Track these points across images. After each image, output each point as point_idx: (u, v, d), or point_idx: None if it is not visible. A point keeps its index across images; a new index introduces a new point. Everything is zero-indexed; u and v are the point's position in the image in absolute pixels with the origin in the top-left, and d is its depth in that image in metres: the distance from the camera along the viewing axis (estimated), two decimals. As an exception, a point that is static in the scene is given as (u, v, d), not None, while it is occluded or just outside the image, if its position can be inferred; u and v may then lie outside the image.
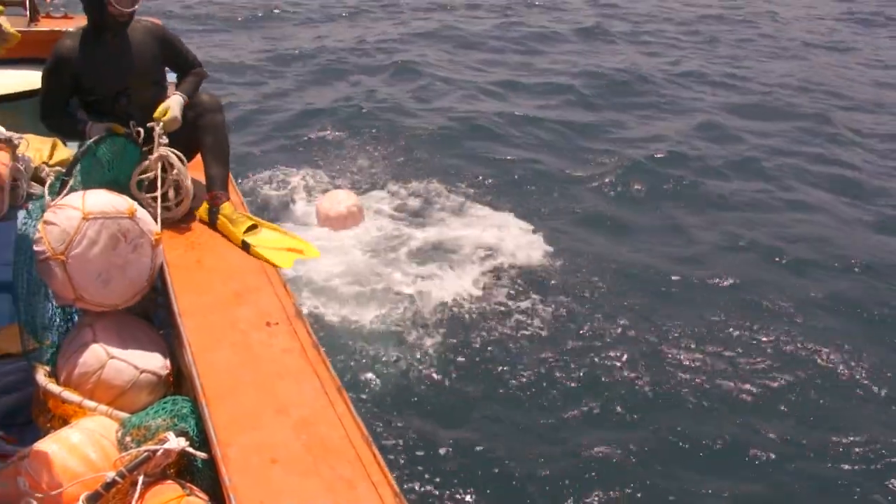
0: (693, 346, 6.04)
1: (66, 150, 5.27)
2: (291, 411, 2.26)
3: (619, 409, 5.33)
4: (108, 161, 3.29)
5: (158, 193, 3.22)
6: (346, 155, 9.61)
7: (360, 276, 6.75)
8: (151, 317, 3.29)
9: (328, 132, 10.21)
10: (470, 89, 12.28)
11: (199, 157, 3.73)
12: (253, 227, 3.35)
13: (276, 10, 17.44)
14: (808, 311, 6.53)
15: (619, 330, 6.21)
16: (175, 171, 3.35)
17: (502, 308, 6.42)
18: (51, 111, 3.53)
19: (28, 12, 6.46)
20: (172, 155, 3.35)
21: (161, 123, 3.44)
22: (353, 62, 13.56)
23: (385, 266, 6.98)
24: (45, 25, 6.46)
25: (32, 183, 4.86)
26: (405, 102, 11.44)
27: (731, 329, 6.24)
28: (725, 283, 6.95)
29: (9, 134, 4.72)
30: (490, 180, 8.90)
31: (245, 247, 3.27)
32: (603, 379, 5.61)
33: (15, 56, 6.10)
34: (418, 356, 5.72)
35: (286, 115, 10.88)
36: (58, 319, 3.12)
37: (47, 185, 3.26)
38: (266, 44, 14.66)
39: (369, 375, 5.46)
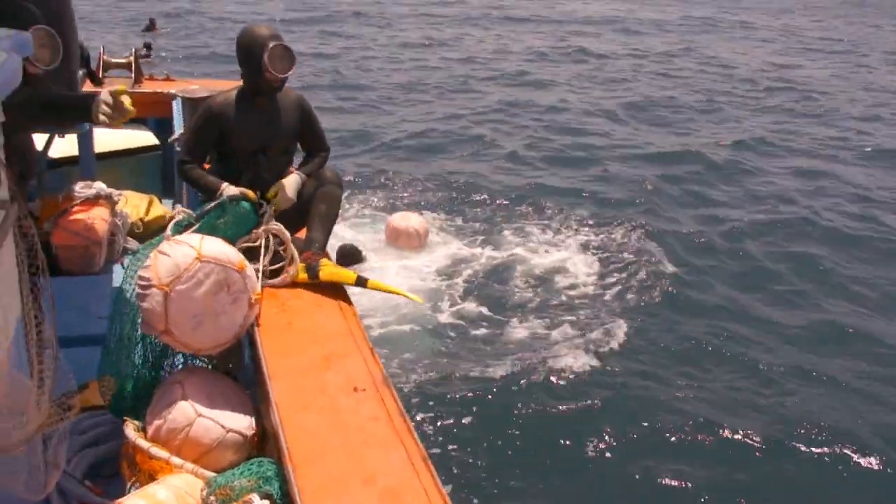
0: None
1: (162, 208, 5.45)
2: (378, 480, 2.24)
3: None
4: (233, 220, 3.39)
5: (261, 263, 3.29)
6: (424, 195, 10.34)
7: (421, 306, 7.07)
8: (235, 374, 3.33)
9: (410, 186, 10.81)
10: (570, 156, 12.52)
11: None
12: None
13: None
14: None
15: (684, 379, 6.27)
16: (282, 246, 3.43)
17: (569, 354, 6.48)
18: (192, 157, 3.70)
19: (133, 74, 6.75)
20: (284, 232, 3.45)
21: (271, 205, 3.57)
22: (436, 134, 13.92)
23: (447, 299, 7.39)
24: (148, 87, 6.73)
25: (129, 238, 5.03)
26: (485, 172, 11.66)
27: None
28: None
29: (109, 190, 4.92)
30: (571, 231, 9.18)
31: (361, 282, 3.42)
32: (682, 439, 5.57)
33: None
34: (484, 403, 5.75)
35: (370, 178, 11.27)
36: (140, 368, 3.18)
37: (173, 222, 3.37)
38: (350, 115, 15.11)
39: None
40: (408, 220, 8.64)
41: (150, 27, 23.49)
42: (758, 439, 5.50)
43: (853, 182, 11.48)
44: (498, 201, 10.21)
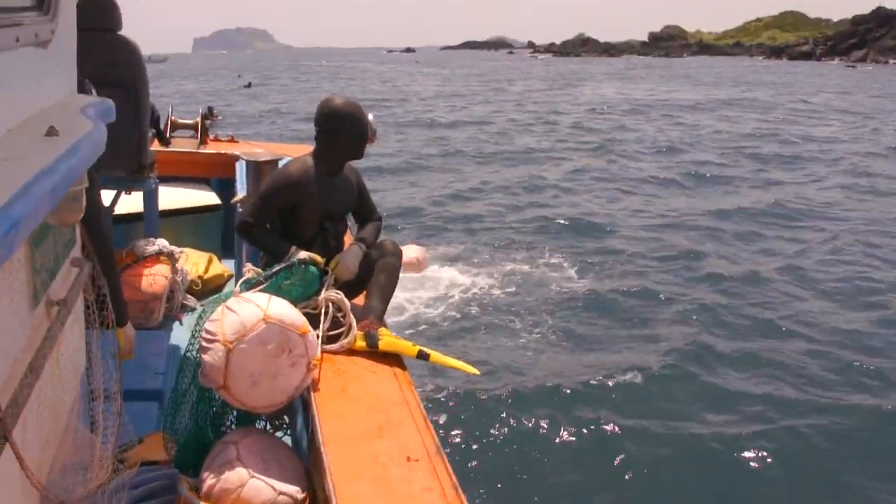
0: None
1: (221, 266, 5.56)
2: (428, 553, 2.22)
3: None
4: (299, 283, 3.44)
5: (321, 330, 3.33)
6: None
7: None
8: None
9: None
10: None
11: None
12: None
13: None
14: None
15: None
16: (341, 313, 3.47)
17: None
18: (258, 220, 3.74)
19: (199, 135, 6.94)
20: (344, 301, 3.49)
21: (331, 274, 3.63)
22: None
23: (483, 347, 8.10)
24: (212, 148, 6.91)
25: (187, 295, 5.12)
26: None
27: None
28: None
29: (171, 248, 5.03)
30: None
31: (423, 356, 3.40)
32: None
33: (184, 174, 6.54)
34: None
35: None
36: (201, 424, 3.21)
37: (242, 280, 3.44)
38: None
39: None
40: (408, 250, 10.46)
41: (209, 115, 25.53)
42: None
43: None
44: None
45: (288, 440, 3.40)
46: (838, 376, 7.31)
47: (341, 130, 3.73)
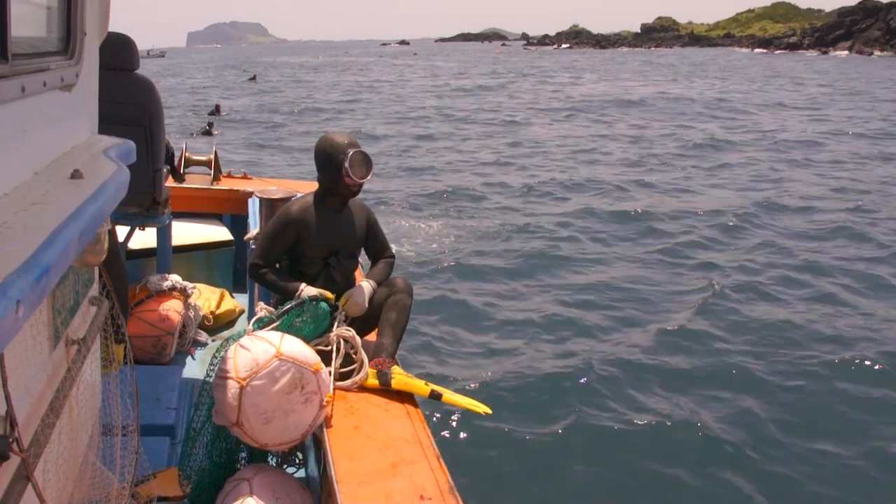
0: None
1: (232, 302, 5.58)
2: (442, 592, 2.22)
3: None
4: (311, 320, 3.46)
5: (333, 367, 3.34)
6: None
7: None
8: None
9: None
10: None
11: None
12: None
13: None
14: None
15: None
16: (353, 350, 3.48)
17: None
18: (266, 262, 3.76)
19: (212, 171, 7.00)
20: (356, 338, 3.51)
21: (342, 311, 3.64)
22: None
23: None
24: (225, 184, 6.96)
25: (199, 331, 5.14)
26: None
27: None
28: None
29: (184, 283, 5.06)
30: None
31: (436, 396, 3.37)
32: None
33: (197, 210, 6.59)
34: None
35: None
36: (216, 460, 3.22)
37: (255, 319, 3.45)
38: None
39: None
40: None
41: (216, 111, 27.89)
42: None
43: None
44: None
45: (299, 476, 3.40)
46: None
47: (319, 168, 3.77)
